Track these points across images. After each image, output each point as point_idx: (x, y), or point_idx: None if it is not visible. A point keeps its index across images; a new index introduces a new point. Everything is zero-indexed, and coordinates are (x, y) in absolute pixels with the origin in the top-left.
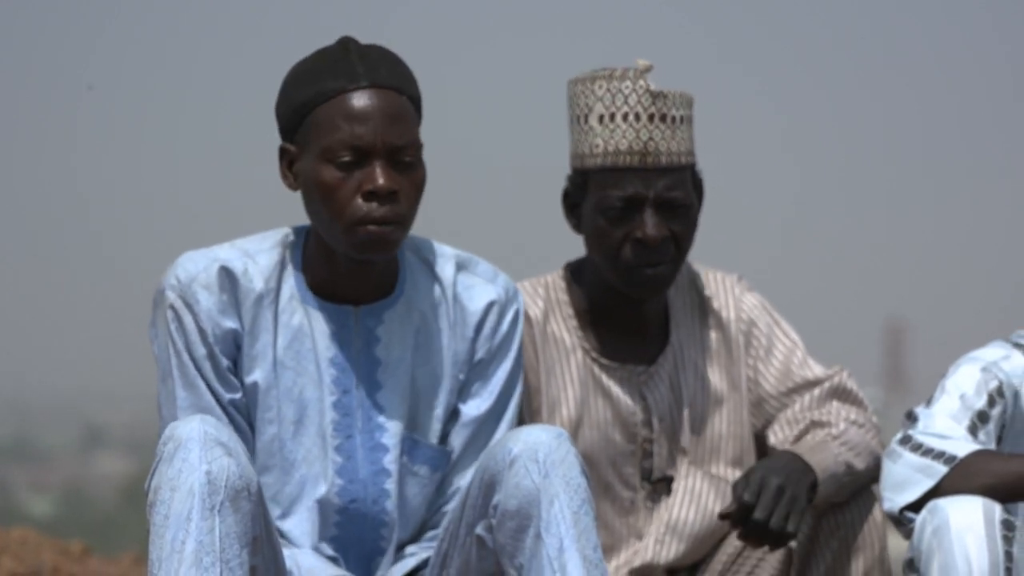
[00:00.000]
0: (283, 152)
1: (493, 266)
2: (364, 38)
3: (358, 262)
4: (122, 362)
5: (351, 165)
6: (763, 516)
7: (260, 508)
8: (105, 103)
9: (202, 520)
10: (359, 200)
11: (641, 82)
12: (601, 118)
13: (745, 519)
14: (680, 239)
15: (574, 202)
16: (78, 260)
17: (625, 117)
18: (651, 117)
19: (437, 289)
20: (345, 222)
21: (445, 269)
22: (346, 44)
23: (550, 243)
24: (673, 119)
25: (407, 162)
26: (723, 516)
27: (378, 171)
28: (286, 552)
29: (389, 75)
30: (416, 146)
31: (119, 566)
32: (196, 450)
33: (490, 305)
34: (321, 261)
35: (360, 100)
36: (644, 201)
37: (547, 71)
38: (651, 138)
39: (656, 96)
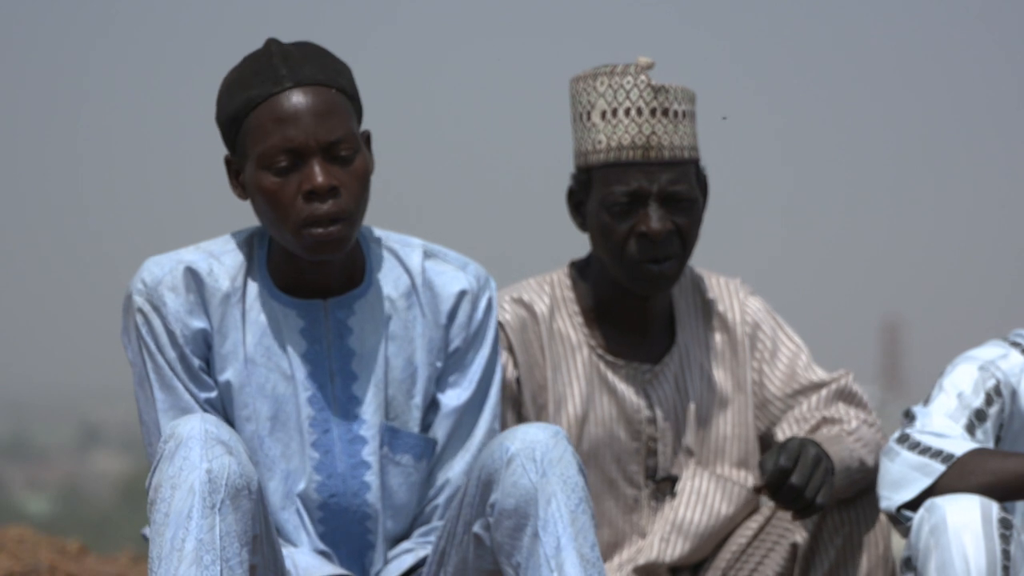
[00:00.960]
0: (228, 163)
1: (462, 255)
2: (364, 38)
3: (317, 260)
4: (119, 361)
5: (288, 169)
6: (800, 482)
7: (260, 507)
8: (107, 100)
9: (202, 518)
10: (301, 201)
11: (643, 77)
12: (603, 114)
13: (779, 485)
14: (685, 233)
15: (579, 200)
16: (76, 258)
17: (627, 112)
18: (653, 112)
19: (406, 277)
20: (291, 226)
21: (412, 257)
22: (269, 47)
23: (548, 243)
24: (675, 113)
25: (344, 156)
26: (757, 489)
27: (316, 170)
28: (283, 552)
29: (314, 71)
30: (352, 138)
31: (116, 564)
32: (197, 448)
33: (462, 293)
34: (285, 258)
35: (287, 102)
36: (648, 195)
37: (546, 71)
38: (654, 132)
39: (658, 91)
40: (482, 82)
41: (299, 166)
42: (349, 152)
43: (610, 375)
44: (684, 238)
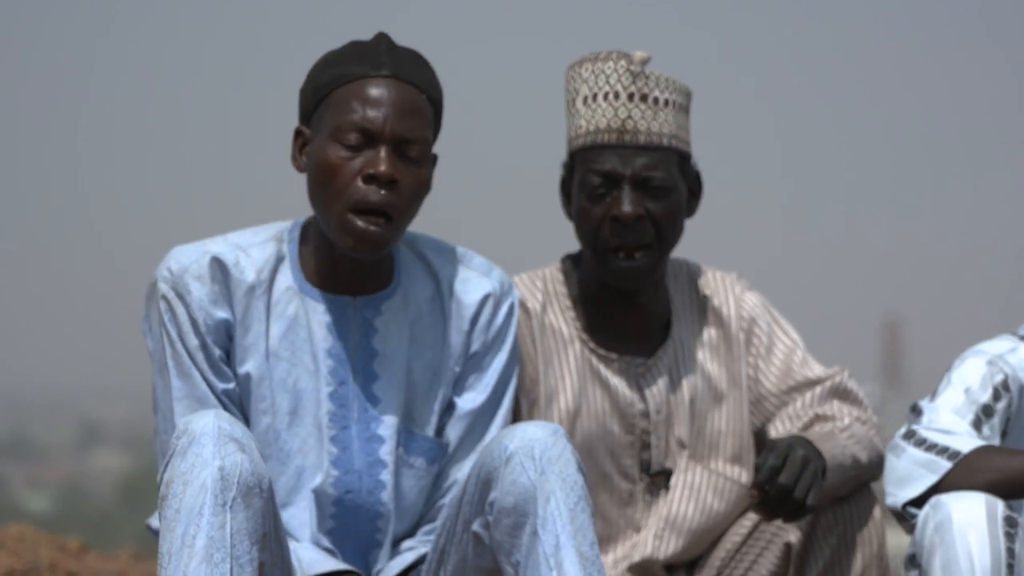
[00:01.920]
0: (298, 133)
1: (487, 260)
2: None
3: (353, 254)
4: (119, 359)
5: (357, 147)
6: (789, 481)
7: (270, 504)
8: (108, 98)
9: (213, 516)
10: (359, 182)
11: (623, 62)
12: (585, 99)
13: (770, 483)
14: (659, 221)
15: (569, 189)
16: (77, 256)
17: (606, 96)
18: (631, 96)
19: (432, 282)
20: (341, 205)
21: (440, 262)
22: (379, 37)
23: (547, 242)
24: (656, 100)
25: (413, 158)
26: (754, 486)
27: (382, 155)
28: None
29: (412, 71)
30: (424, 145)
31: (116, 562)
32: (209, 445)
33: (485, 298)
34: (318, 253)
35: (378, 87)
36: (622, 179)
37: (547, 70)
38: (630, 116)
39: (637, 76)
40: (482, 82)
41: (368, 148)
42: (418, 156)
43: (602, 369)
44: (658, 227)
